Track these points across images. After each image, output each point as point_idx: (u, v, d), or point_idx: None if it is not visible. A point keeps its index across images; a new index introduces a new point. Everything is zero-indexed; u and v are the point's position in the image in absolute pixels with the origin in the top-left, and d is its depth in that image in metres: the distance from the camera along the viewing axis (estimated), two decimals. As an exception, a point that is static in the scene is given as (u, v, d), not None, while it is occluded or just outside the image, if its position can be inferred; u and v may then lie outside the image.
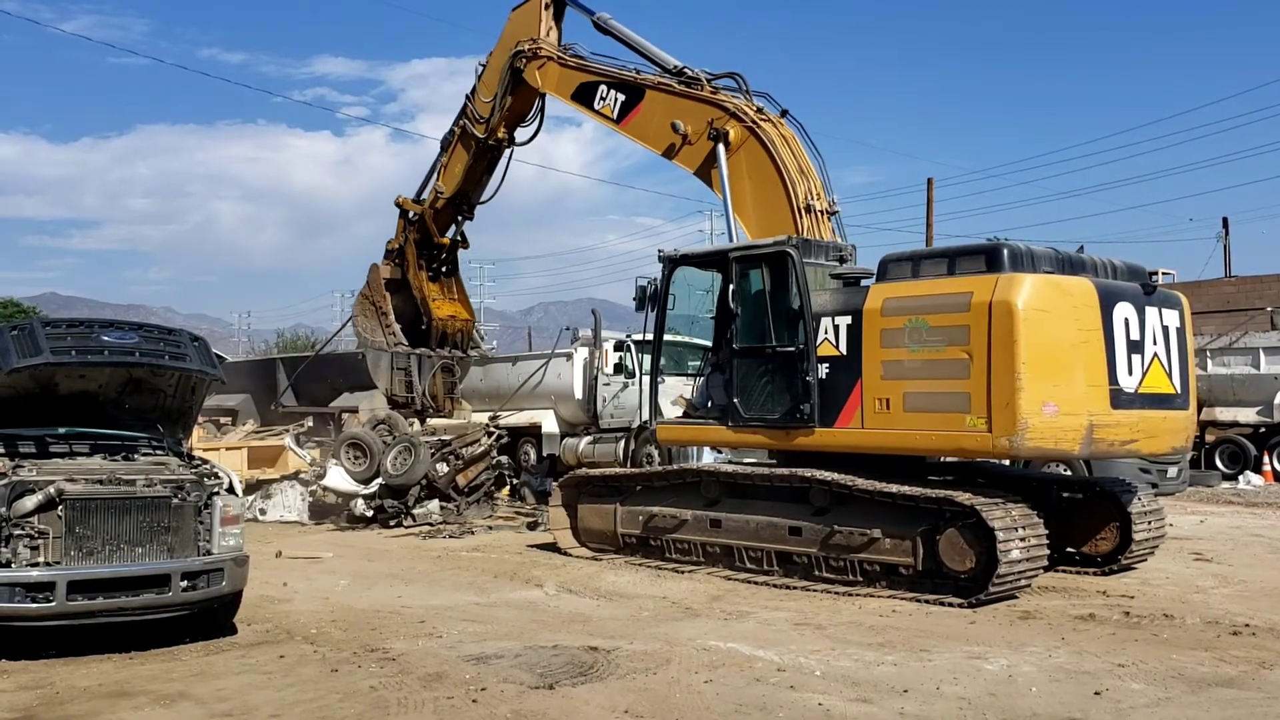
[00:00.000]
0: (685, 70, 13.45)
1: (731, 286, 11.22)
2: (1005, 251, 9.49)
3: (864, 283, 10.69)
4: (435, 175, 17.01)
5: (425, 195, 17.25)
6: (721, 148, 12.41)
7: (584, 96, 14.44)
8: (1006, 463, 11.97)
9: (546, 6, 15.48)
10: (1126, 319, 9.69)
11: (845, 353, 10.12)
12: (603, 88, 14.20)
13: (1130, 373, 9.67)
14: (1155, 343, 9.94)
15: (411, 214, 17.28)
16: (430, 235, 17.34)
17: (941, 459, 11.08)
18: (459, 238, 17.75)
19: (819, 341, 10.30)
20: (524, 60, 15.34)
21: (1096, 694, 6.39)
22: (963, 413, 9.31)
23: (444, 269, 18.02)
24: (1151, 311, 9.96)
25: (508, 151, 16.63)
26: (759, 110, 12.60)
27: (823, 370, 10.28)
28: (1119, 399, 9.55)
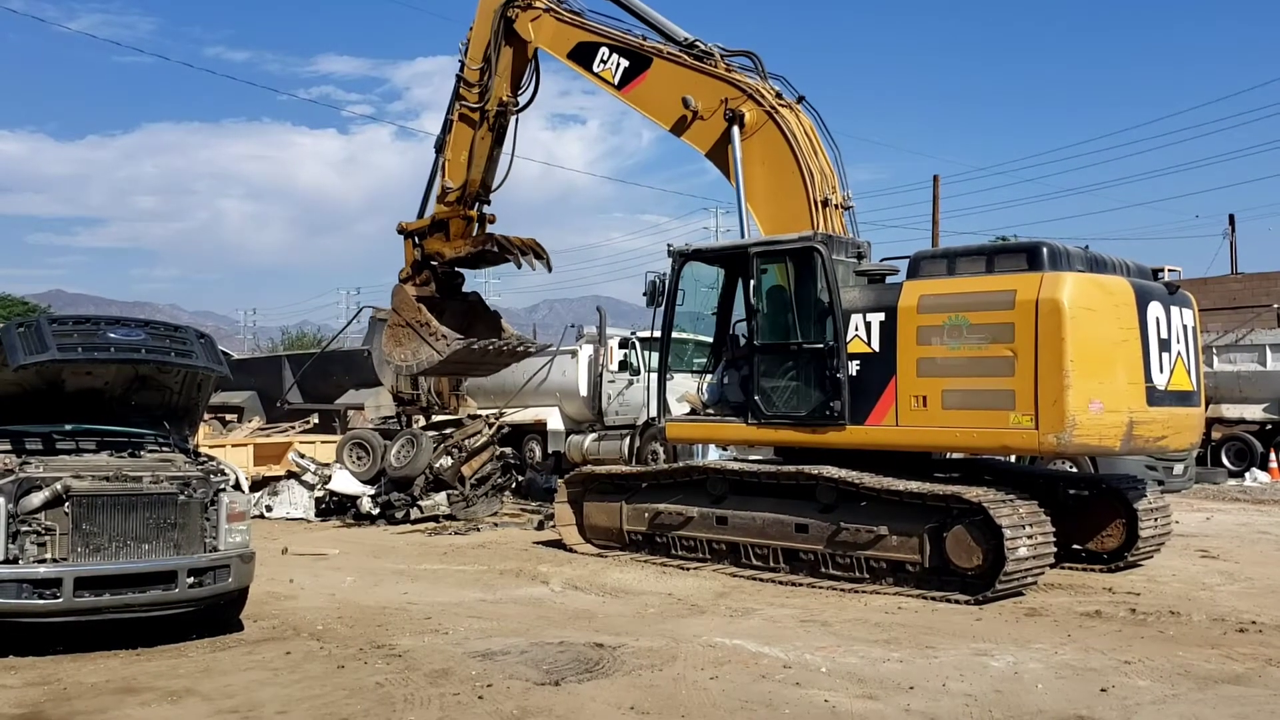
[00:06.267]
0: (697, 44, 12.73)
1: (752, 282, 11.10)
2: (1045, 249, 9.51)
3: (892, 279, 10.67)
4: (441, 175, 15.36)
5: (430, 210, 15.44)
6: (736, 130, 11.87)
7: (582, 57, 13.49)
8: (1012, 459, 11.97)
9: None
10: (1158, 318, 9.83)
11: (878, 350, 10.09)
12: (604, 50, 13.26)
13: (1161, 370, 9.79)
14: (1179, 341, 10.07)
15: (416, 234, 15.46)
16: (451, 229, 15.20)
17: (947, 456, 11.10)
18: (485, 215, 15.60)
19: (849, 338, 10.28)
20: (516, 10, 14.22)
21: (1103, 691, 6.39)
22: (1007, 410, 9.31)
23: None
24: (1175, 311, 10.10)
25: (513, 122, 15.06)
26: (777, 95, 12.07)
27: (853, 367, 10.24)
28: (1153, 396, 9.67)
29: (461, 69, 15.01)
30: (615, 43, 13.27)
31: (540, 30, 14.09)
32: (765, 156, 11.84)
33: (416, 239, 15.55)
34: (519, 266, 15.13)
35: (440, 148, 15.41)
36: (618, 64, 13.11)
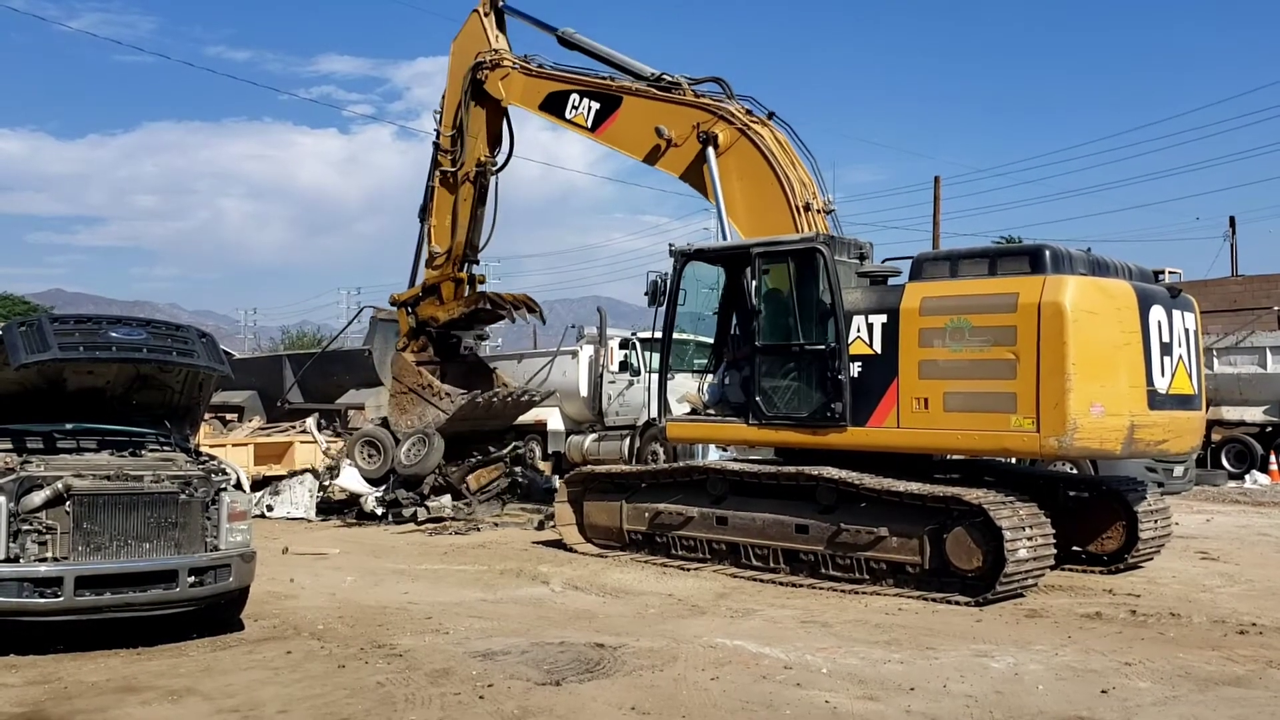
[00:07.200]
0: (664, 76, 13.05)
1: (754, 283, 11.11)
2: (1048, 252, 9.52)
3: (894, 281, 10.68)
4: (427, 241, 15.64)
5: (420, 279, 15.86)
6: (711, 150, 12.06)
7: (554, 106, 13.77)
8: (1013, 460, 11.98)
9: (485, 14, 14.73)
10: (1159, 321, 9.82)
11: (880, 351, 10.08)
12: (574, 96, 13.55)
13: (1162, 374, 9.79)
14: (1180, 345, 10.07)
15: (409, 302, 15.80)
16: (443, 292, 15.56)
17: (947, 457, 11.10)
18: (475, 275, 16.00)
19: (851, 340, 10.29)
20: (485, 71, 14.55)
21: (1103, 692, 6.39)
22: (1008, 413, 9.31)
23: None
24: (1176, 314, 10.10)
25: (493, 183, 15.36)
26: (747, 112, 12.30)
27: (855, 369, 10.24)
28: (1154, 400, 9.66)
29: (437, 135, 15.43)
30: (585, 87, 13.55)
31: (510, 87, 14.43)
32: (742, 171, 11.99)
33: (410, 307, 15.96)
34: (513, 321, 15.98)
35: (424, 215, 15.72)
36: (589, 108, 13.40)
